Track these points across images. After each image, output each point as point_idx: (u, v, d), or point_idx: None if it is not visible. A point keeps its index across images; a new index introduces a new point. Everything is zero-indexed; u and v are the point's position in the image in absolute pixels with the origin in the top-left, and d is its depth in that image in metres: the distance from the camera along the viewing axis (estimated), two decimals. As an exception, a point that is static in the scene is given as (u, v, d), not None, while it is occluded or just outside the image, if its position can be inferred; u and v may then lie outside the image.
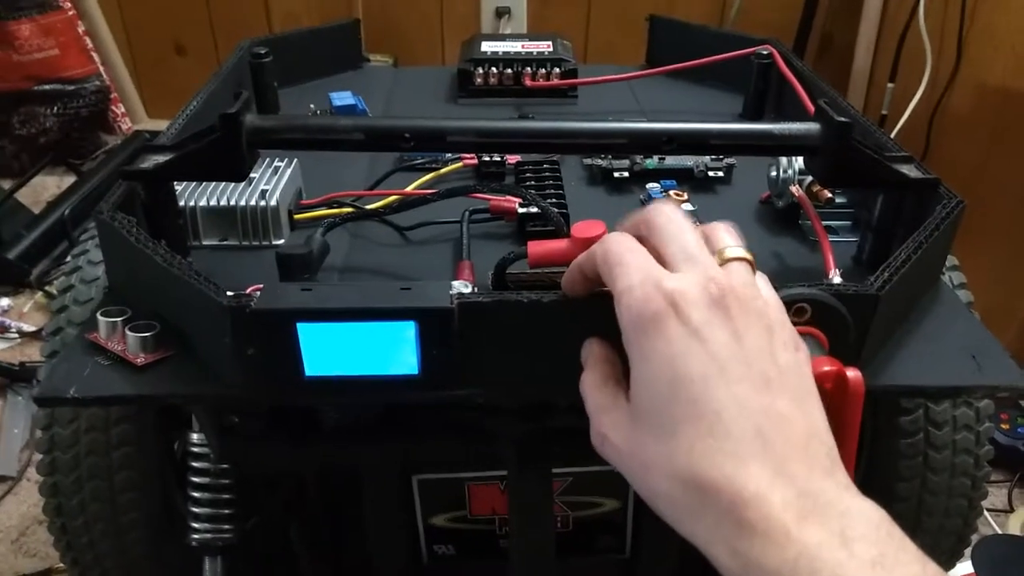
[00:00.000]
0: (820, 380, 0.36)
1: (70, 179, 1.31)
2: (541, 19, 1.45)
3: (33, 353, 0.96)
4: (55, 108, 1.40)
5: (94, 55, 1.47)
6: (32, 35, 1.39)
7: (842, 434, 0.36)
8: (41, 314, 1.03)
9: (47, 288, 1.06)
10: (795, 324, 0.40)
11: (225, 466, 0.54)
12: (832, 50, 1.40)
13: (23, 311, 1.04)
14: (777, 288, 0.40)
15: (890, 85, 1.23)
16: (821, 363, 0.37)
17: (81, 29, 1.44)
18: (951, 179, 0.50)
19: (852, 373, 0.35)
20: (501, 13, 1.44)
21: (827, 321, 0.40)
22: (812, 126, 0.49)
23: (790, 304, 0.40)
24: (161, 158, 0.48)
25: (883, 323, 0.42)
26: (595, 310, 0.40)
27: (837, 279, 0.47)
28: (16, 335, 0.99)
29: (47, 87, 1.40)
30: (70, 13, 1.42)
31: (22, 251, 1.10)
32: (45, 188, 1.30)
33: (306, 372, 0.40)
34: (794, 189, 0.55)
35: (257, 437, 0.51)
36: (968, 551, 0.64)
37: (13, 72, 1.39)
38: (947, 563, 0.63)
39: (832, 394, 0.36)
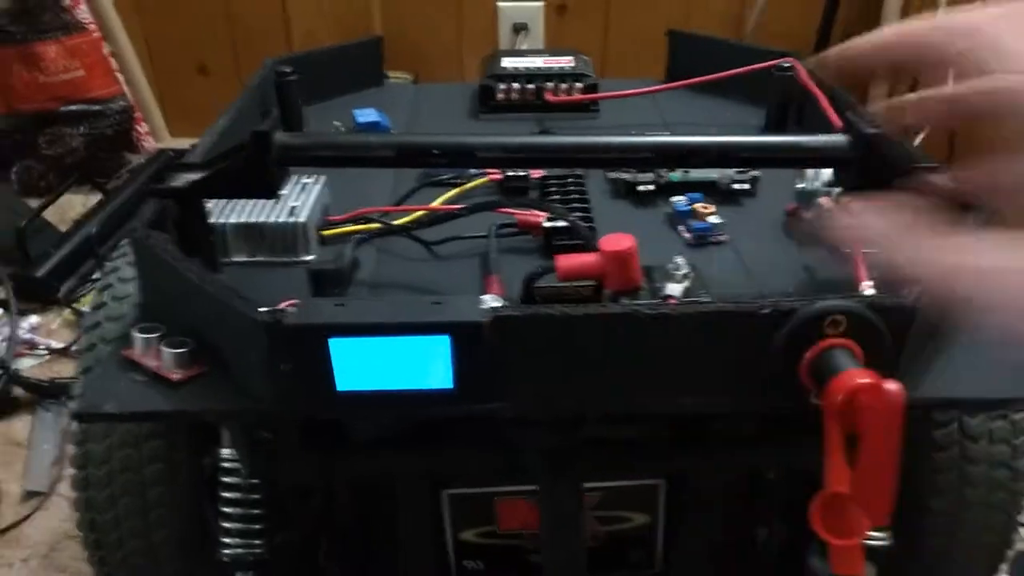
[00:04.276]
0: (858, 393, 0.36)
1: (95, 198, 1.32)
2: (558, 35, 1.46)
3: (62, 370, 0.97)
4: (81, 128, 1.43)
5: (118, 76, 1.49)
6: (58, 56, 1.42)
7: (882, 449, 0.36)
8: (69, 331, 1.05)
9: (75, 305, 1.07)
10: (830, 336, 0.40)
11: (256, 481, 0.54)
12: (851, 61, 1.40)
13: (51, 328, 1.05)
14: (808, 300, 0.39)
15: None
16: (858, 375, 0.37)
17: (106, 50, 1.47)
18: (977, 190, 0.50)
19: (891, 386, 0.35)
20: (518, 29, 1.45)
21: (862, 334, 0.40)
22: (841, 138, 0.49)
23: (824, 316, 0.39)
24: (193, 176, 0.48)
25: (919, 336, 0.42)
26: (625, 324, 0.40)
27: (871, 291, 0.46)
28: (45, 352, 1.00)
29: (73, 108, 1.42)
30: (95, 35, 1.44)
31: (50, 269, 1.11)
32: (71, 207, 1.31)
33: (338, 387, 0.41)
34: (823, 201, 0.55)
35: (288, 451, 0.51)
36: (1005, 566, 0.62)
37: (40, 93, 1.41)
38: (984, 578, 0.62)
39: (871, 408, 0.35)
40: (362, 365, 0.40)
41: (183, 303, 0.45)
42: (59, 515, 0.80)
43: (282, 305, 0.41)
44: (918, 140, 1.14)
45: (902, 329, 0.41)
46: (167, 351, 0.43)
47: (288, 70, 0.75)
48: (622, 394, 0.42)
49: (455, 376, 0.41)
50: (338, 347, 0.40)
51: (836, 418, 0.38)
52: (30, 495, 0.82)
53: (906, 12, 1.27)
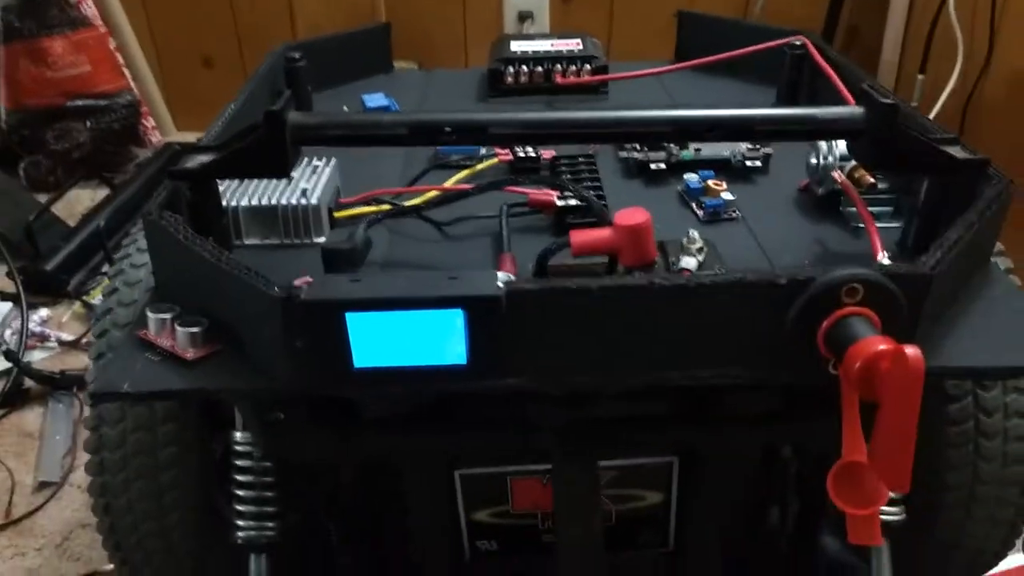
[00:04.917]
0: (877, 359, 0.36)
1: (103, 192, 1.33)
2: (564, 22, 1.45)
3: (72, 362, 0.98)
4: (88, 123, 1.43)
5: (124, 70, 1.49)
6: (65, 52, 1.42)
7: (902, 415, 0.35)
8: (79, 323, 1.05)
9: (84, 298, 1.08)
10: (847, 305, 0.40)
11: (268, 463, 0.54)
12: (859, 42, 1.39)
13: (62, 321, 1.06)
14: (825, 269, 0.39)
15: (920, 76, 1.22)
16: (877, 342, 0.36)
17: (112, 45, 1.47)
18: (987, 169, 0.49)
19: (911, 350, 0.35)
20: (524, 17, 1.45)
21: (880, 302, 0.39)
22: (856, 110, 0.48)
23: (841, 285, 0.39)
24: (206, 158, 0.48)
25: (936, 304, 0.41)
26: (643, 296, 0.40)
27: (886, 262, 0.46)
28: (55, 344, 1.01)
29: (80, 103, 1.43)
30: (101, 30, 1.45)
31: (59, 262, 1.12)
32: (79, 201, 1.32)
33: (355, 363, 0.40)
34: (836, 175, 0.55)
35: (301, 430, 0.51)
36: (1020, 542, 0.62)
37: (47, 88, 1.42)
38: (999, 553, 0.61)
39: (890, 374, 0.35)
40: (378, 341, 0.40)
41: (197, 282, 0.45)
42: (72, 505, 0.80)
43: (297, 282, 0.41)
44: (933, 113, 1.13)
45: (919, 297, 0.40)
46: (181, 330, 0.43)
47: (297, 55, 0.75)
48: (638, 367, 0.42)
49: (469, 351, 0.40)
50: (355, 322, 0.40)
51: (854, 386, 0.37)
52: (43, 485, 0.82)
53: (914, -5, 1.26)
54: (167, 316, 0.44)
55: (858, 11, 1.35)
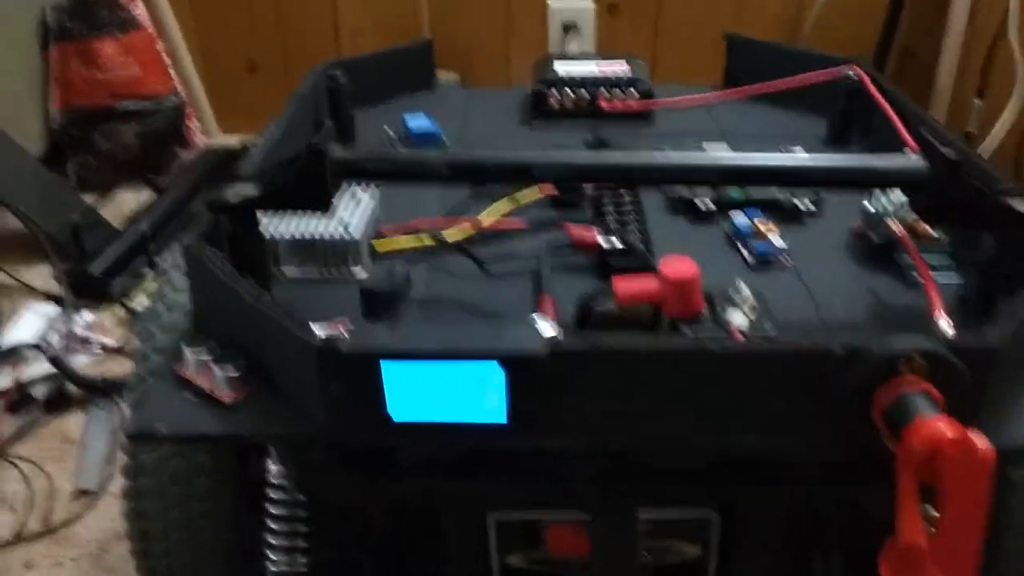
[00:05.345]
0: (940, 444, 0.34)
1: (148, 193, 1.34)
2: (609, 34, 1.43)
3: (114, 367, 0.99)
4: (135, 125, 1.45)
5: (172, 72, 1.51)
6: (115, 53, 1.44)
7: (969, 507, 0.33)
8: (122, 329, 1.06)
9: (127, 303, 1.09)
10: (906, 377, 0.38)
11: (302, 498, 0.54)
12: (914, 64, 1.34)
13: (105, 325, 1.07)
14: (884, 338, 0.37)
15: (977, 101, 1.18)
16: (940, 424, 0.35)
17: (160, 47, 1.49)
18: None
19: (980, 442, 0.33)
20: (568, 28, 1.43)
21: (941, 376, 0.37)
22: (918, 161, 0.46)
23: (900, 357, 0.37)
24: (247, 190, 0.48)
25: (1004, 379, 0.39)
26: (690, 360, 0.39)
27: (946, 326, 0.44)
28: (99, 350, 1.02)
29: (128, 104, 1.44)
30: (151, 32, 1.46)
31: (104, 266, 1.13)
32: (125, 202, 1.34)
33: (391, 414, 0.40)
34: (893, 225, 0.52)
35: (336, 472, 0.51)
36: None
37: (97, 89, 1.44)
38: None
39: (955, 462, 0.33)
40: (414, 392, 0.40)
41: (236, 320, 0.44)
42: (110, 514, 0.81)
43: (335, 324, 0.41)
44: (991, 140, 1.09)
45: (983, 372, 0.38)
46: (219, 372, 0.43)
47: (339, 75, 0.74)
48: (683, 431, 0.40)
49: (509, 408, 0.39)
50: (391, 371, 0.39)
51: (913, 467, 0.36)
52: (82, 493, 0.83)
53: (974, 16, 1.22)
54: (206, 356, 0.44)
55: (913, 32, 1.31)
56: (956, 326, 0.44)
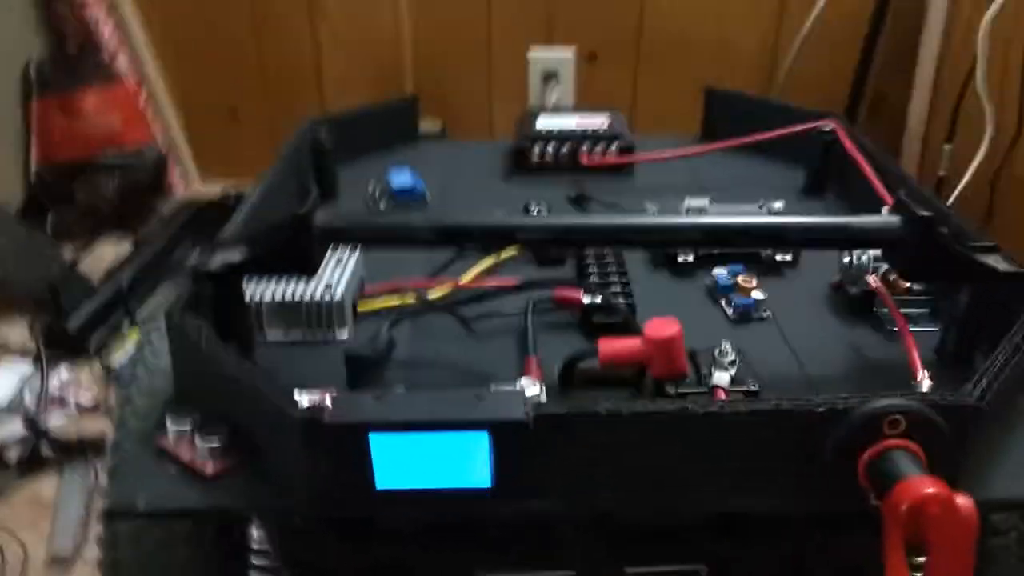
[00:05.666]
0: (925, 503, 0.34)
1: (128, 246, 1.34)
2: (589, 83, 1.46)
3: (91, 426, 0.97)
4: (115, 176, 1.45)
5: (152, 124, 1.52)
6: (96, 106, 1.44)
7: (954, 565, 0.34)
8: (99, 386, 1.04)
9: (104, 359, 1.07)
10: (889, 436, 0.38)
11: (285, 565, 0.53)
12: (885, 110, 1.38)
13: (81, 382, 1.05)
14: (865, 397, 0.38)
15: (947, 146, 1.21)
16: (924, 484, 0.35)
17: (142, 100, 1.49)
18: (1018, 244, 0.48)
19: (962, 500, 0.33)
20: (548, 77, 1.46)
21: (923, 434, 0.38)
22: (891, 219, 0.47)
23: (883, 416, 0.38)
24: (231, 257, 0.48)
25: (984, 435, 0.40)
26: (675, 423, 0.39)
27: (926, 382, 0.44)
28: (75, 409, 1.00)
29: (109, 156, 1.44)
30: (133, 85, 1.47)
31: (82, 322, 1.12)
32: (104, 254, 1.33)
33: (377, 484, 0.39)
34: (871, 279, 0.53)
35: (319, 538, 0.50)
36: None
37: (77, 142, 1.44)
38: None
39: (940, 521, 0.33)
40: (401, 462, 0.39)
41: (218, 389, 0.44)
42: (85, 578, 0.79)
43: (319, 395, 0.40)
44: (954, 196, 1.12)
45: (965, 428, 0.39)
46: (201, 444, 0.42)
47: (324, 136, 0.75)
48: (669, 494, 0.40)
49: (494, 474, 0.39)
50: (378, 443, 0.39)
51: (899, 526, 0.36)
52: (56, 560, 0.81)
53: (942, 63, 1.26)
54: (187, 427, 0.43)
55: (884, 79, 1.35)
56: (935, 380, 0.45)
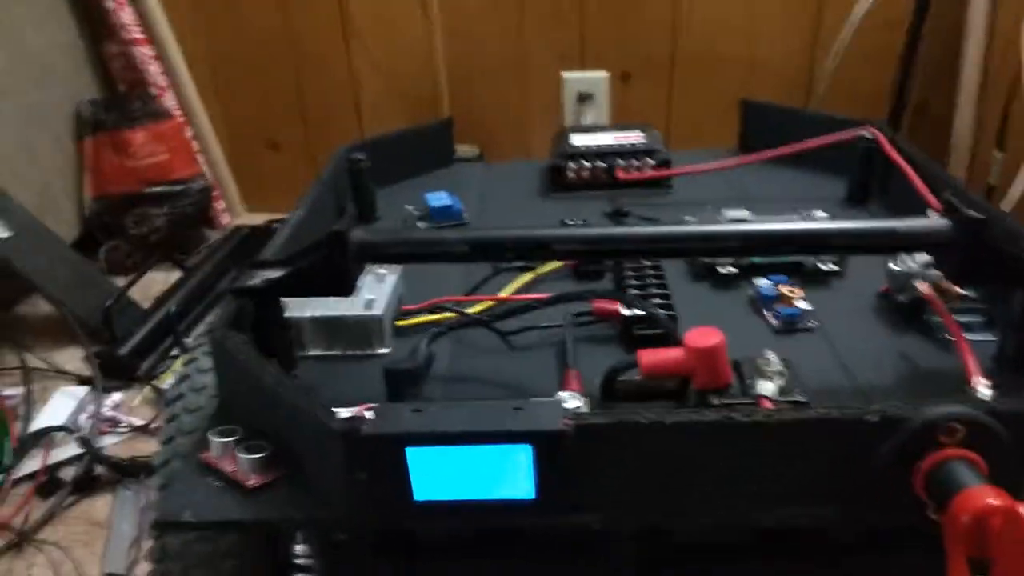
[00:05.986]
0: (987, 515, 0.33)
1: (176, 274, 1.37)
2: (623, 103, 1.46)
3: (142, 447, 0.99)
4: (164, 208, 1.49)
5: (199, 156, 1.56)
6: (145, 142, 1.49)
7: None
8: (149, 408, 1.07)
9: (154, 383, 1.10)
10: (946, 446, 0.36)
11: (329, 581, 0.53)
12: (928, 119, 1.35)
13: (132, 405, 1.08)
14: (920, 405, 0.36)
15: (998, 153, 1.17)
16: (986, 495, 0.33)
17: (189, 134, 1.54)
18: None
19: (1027, 510, 0.31)
20: (583, 98, 1.46)
21: (983, 443, 0.36)
22: (940, 222, 0.46)
23: (941, 424, 0.36)
24: (270, 275, 0.49)
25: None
26: (719, 432, 0.38)
27: (983, 389, 0.43)
28: (127, 429, 1.03)
29: (158, 189, 1.49)
30: (179, 120, 1.52)
31: (133, 347, 1.15)
32: (154, 283, 1.36)
33: (416, 496, 0.39)
34: (921, 286, 0.52)
35: (362, 552, 0.50)
36: None
37: (128, 176, 1.49)
38: None
39: (1004, 534, 0.32)
40: (440, 474, 0.39)
41: (260, 404, 0.44)
42: (136, 599, 0.80)
43: (359, 410, 0.40)
44: (1015, 192, 1.08)
45: (1028, 436, 0.37)
46: (243, 457, 0.42)
47: (361, 157, 0.76)
48: (715, 505, 0.39)
49: (537, 486, 0.39)
50: (416, 457, 0.38)
51: (961, 539, 0.34)
52: (108, 577, 0.82)
53: (987, 70, 1.23)
54: (229, 440, 0.44)
55: (927, 87, 1.32)
56: (994, 388, 0.43)
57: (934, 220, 0.46)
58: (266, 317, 0.50)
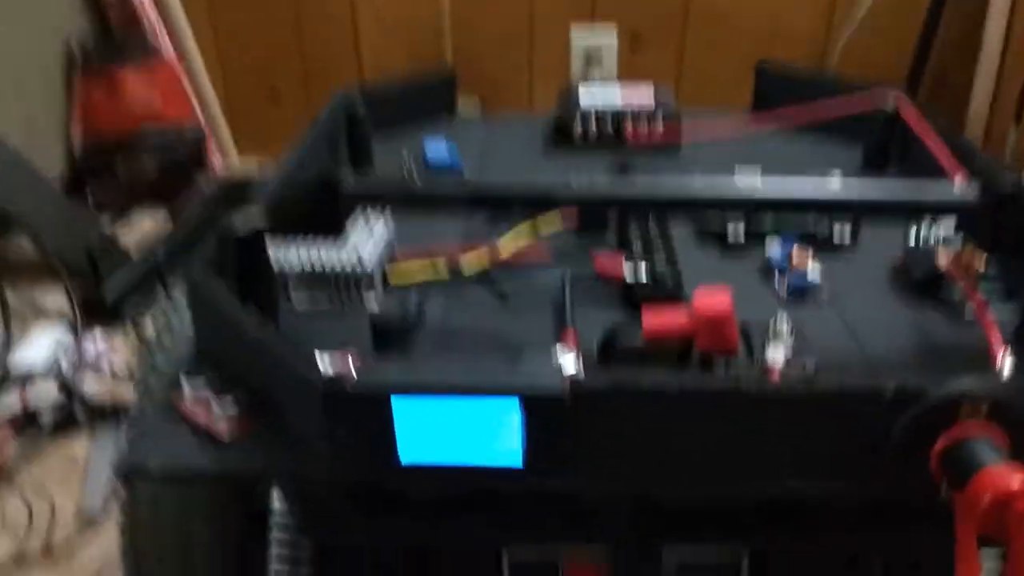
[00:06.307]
0: (1010, 497, 0.31)
1: (164, 219, 1.34)
2: (631, 63, 1.42)
3: (124, 392, 0.97)
4: (155, 152, 1.45)
5: (193, 100, 1.52)
6: (137, 83, 1.45)
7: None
8: (133, 353, 1.05)
9: (138, 328, 1.07)
10: (967, 422, 0.34)
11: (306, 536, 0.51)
12: (946, 90, 1.31)
13: (115, 349, 1.06)
14: (940, 380, 0.34)
15: (1012, 132, 1.14)
16: (1009, 475, 0.31)
17: (183, 78, 1.50)
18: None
19: (1054, 495, 0.29)
20: (591, 57, 1.42)
21: (1006, 420, 0.34)
22: (967, 189, 0.43)
23: (962, 400, 0.34)
24: (256, 218, 0.46)
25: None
26: (726, 400, 0.35)
27: (1008, 366, 0.40)
28: (109, 374, 1.01)
29: (149, 132, 1.45)
30: (173, 62, 1.47)
31: (117, 291, 1.12)
32: (141, 228, 1.33)
33: (401, 458, 0.37)
34: (942, 258, 0.49)
35: (341, 510, 0.48)
36: None
37: (119, 118, 1.44)
38: None
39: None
40: (426, 431, 0.37)
41: (238, 353, 0.42)
42: (112, 540, 0.78)
43: (342, 354, 0.38)
44: None
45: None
46: (218, 407, 0.40)
47: (357, 100, 0.72)
48: (716, 476, 0.37)
49: (525, 450, 0.36)
50: (402, 409, 0.36)
51: (976, 519, 0.32)
52: (84, 517, 0.81)
53: (1009, 41, 1.19)
54: (204, 388, 0.41)
55: (946, 57, 1.28)
56: (1018, 364, 0.41)
57: (960, 186, 0.43)
58: (250, 262, 0.47)
